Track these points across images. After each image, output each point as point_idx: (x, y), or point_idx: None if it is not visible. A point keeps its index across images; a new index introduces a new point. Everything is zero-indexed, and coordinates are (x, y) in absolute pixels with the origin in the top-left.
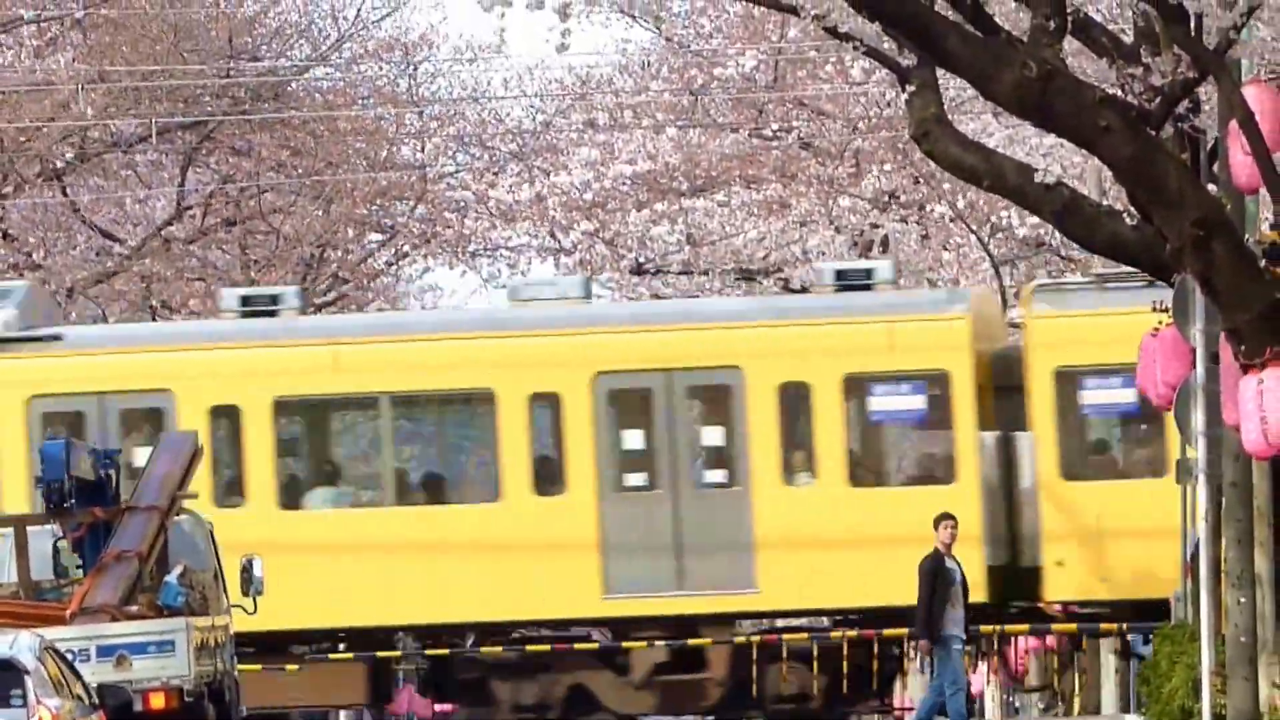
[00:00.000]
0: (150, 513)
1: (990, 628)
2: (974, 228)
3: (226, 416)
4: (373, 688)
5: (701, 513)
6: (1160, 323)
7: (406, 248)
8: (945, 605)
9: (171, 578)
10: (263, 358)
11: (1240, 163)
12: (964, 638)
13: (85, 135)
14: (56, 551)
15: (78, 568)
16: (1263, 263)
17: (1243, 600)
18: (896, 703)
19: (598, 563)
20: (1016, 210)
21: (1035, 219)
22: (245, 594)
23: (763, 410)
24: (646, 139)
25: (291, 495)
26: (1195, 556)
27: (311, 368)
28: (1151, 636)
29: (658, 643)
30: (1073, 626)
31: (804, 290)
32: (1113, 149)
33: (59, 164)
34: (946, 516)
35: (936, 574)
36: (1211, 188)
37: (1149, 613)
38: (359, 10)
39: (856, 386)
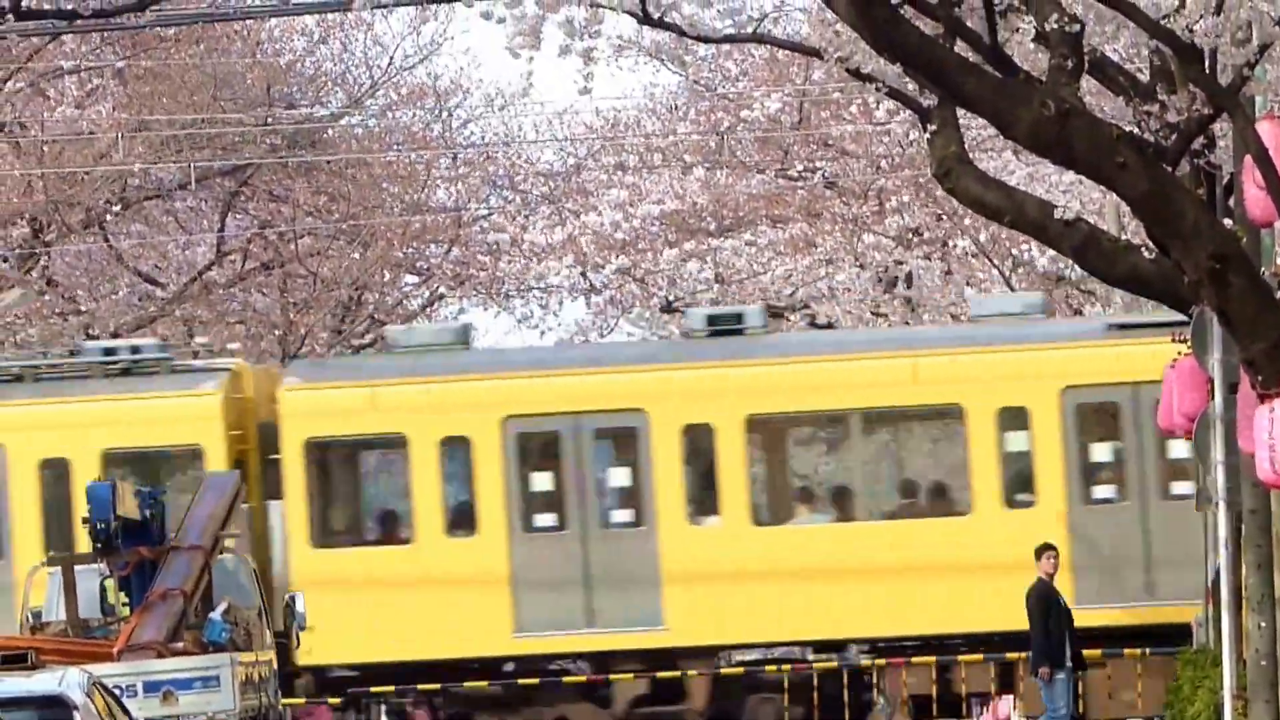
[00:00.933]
0: (194, 552)
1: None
2: (996, 262)
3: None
4: None
5: None
6: (1179, 353)
7: (442, 289)
8: (1058, 633)
9: (216, 614)
10: None
11: (1255, 197)
12: (1070, 665)
13: (126, 183)
14: (103, 590)
15: (124, 605)
16: (1278, 294)
17: (1263, 625)
18: None
19: None
20: (1037, 245)
21: (1055, 253)
22: (288, 629)
23: None
24: (675, 180)
25: None
26: (1216, 582)
27: None
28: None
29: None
30: (1097, 651)
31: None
32: (1130, 185)
33: (102, 212)
34: (1049, 547)
35: (1049, 603)
36: (1227, 222)
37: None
38: (391, 58)
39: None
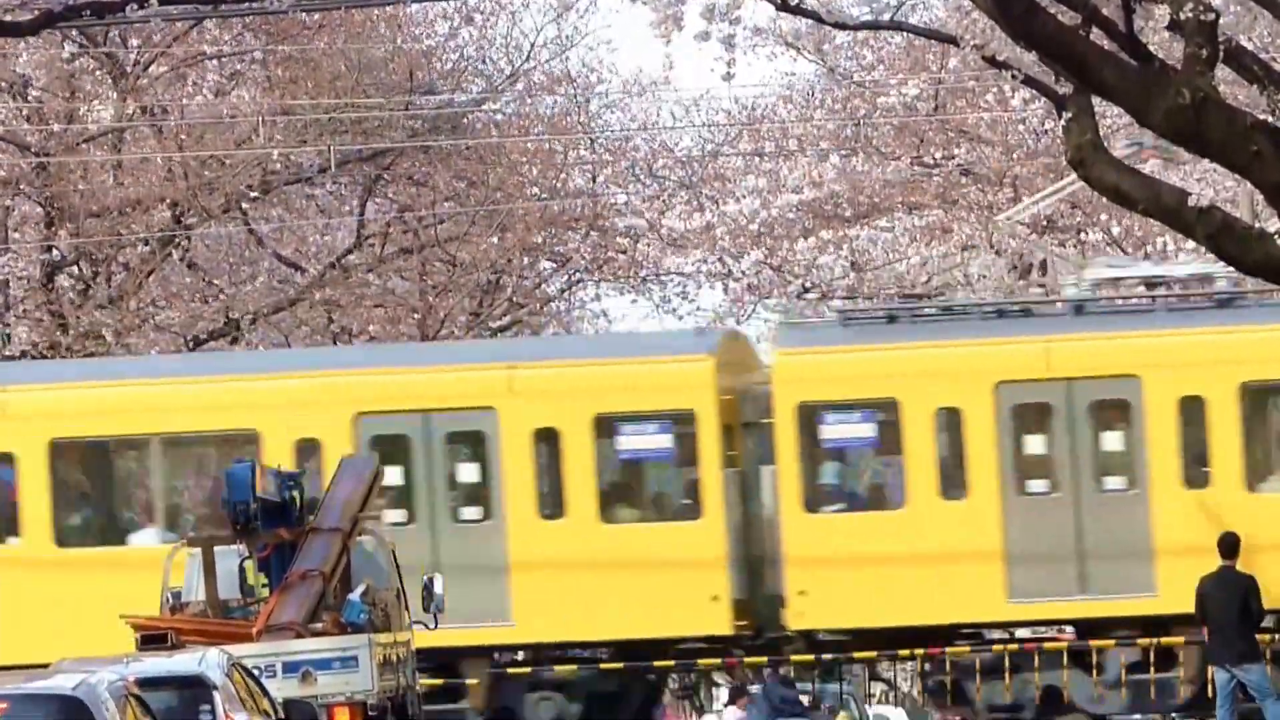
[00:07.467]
0: (333, 534)
1: None
2: (1129, 251)
3: None
4: None
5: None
6: None
7: (579, 274)
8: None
9: (355, 596)
10: None
11: None
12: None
13: (267, 168)
14: (243, 571)
15: (264, 586)
16: None
17: None
18: None
19: None
20: (1172, 234)
21: (1191, 243)
22: (426, 610)
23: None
24: (811, 167)
25: None
26: None
27: None
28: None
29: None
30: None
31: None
32: (1264, 173)
33: (242, 196)
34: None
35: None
36: None
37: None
38: (532, 44)
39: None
